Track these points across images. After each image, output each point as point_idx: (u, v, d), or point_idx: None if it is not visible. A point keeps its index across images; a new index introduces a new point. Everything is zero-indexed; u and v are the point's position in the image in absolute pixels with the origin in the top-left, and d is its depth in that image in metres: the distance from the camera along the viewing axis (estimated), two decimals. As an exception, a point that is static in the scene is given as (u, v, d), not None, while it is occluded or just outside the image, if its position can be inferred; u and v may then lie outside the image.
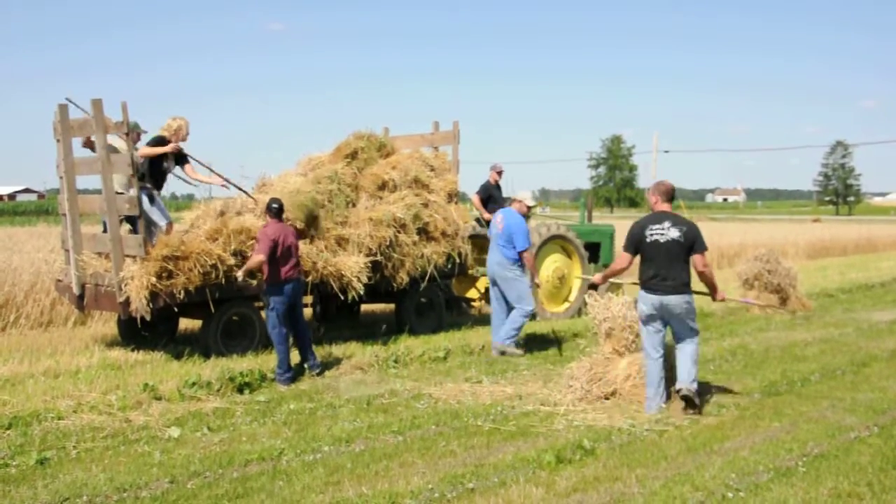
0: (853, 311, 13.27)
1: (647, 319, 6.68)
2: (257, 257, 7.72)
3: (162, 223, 8.92)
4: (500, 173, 13.07)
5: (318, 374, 7.98)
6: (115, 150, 8.59)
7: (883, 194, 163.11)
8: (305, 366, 8.09)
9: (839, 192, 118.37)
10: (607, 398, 7.00)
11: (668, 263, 6.54)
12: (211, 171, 9.33)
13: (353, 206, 10.06)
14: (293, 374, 7.79)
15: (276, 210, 7.91)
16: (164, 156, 8.99)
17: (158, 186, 9.13)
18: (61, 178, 9.00)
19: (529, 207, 9.25)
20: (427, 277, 10.20)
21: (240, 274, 7.99)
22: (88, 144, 8.72)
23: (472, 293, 13.04)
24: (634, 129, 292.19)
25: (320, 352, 8.67)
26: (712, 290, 6.90)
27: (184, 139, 9.12)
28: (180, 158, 9.24)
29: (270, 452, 5.54)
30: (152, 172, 8.96)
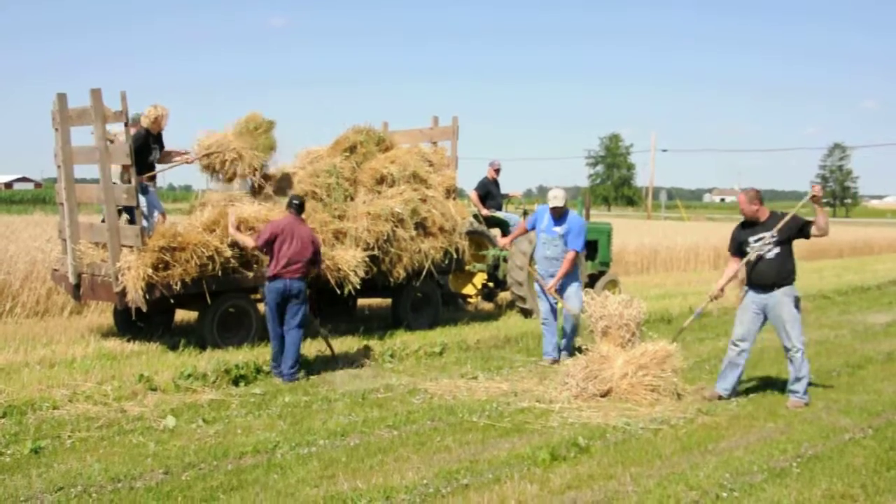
0: (849, 314, 13.31)
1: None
2: (248, 241, 7.77)
3: (155, 214, 8.90)
4: (497, 170, 13.08)
5: (288, 382, 7.46)
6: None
7: (880, 197, 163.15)
8: (273, 371, 7.65)
9: (836, 194, 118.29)
10: (603, 396, 7.01)
11: None
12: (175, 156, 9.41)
13: (352, 200, 10.04)
14: (289, 368, 7.76)
15: (296, 206, 7.87)
16: (148, 148, 8.92)
17: (150, 178, 9.09)
18: (59, 167, 8.97)
19: (552, 208, 8.84)
20: (424, 273, 10.20)
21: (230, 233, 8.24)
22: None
23: (468, 289, 13.04)
24: (633, 128, 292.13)
25: (315, 346, 8.65)
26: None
27: (162, 128, 9.09)
28: (159, 143, 9.18)
29: (265, 445, 5.54)
30: (140, 165, 8.90)
